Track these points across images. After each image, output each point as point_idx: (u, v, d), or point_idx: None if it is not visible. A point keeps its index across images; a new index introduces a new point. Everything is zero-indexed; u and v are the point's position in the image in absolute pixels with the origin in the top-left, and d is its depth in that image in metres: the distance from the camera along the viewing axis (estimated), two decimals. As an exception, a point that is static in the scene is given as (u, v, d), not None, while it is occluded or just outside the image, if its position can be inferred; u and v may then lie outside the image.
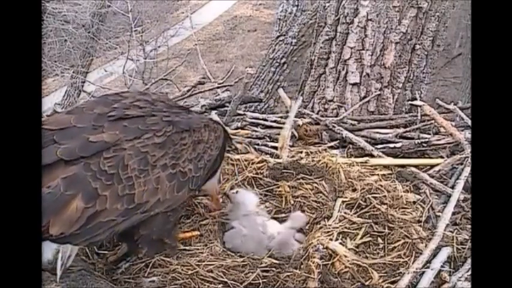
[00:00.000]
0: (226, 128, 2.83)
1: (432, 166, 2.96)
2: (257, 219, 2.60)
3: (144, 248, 2.32)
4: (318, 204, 2.69)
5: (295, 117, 3.41)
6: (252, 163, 2.99)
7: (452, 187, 2.72)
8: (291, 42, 5.49)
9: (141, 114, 2.22)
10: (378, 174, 2.89)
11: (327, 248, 2.34)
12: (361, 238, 2.45)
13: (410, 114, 3.49)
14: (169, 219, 2.31)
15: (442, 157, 3.04)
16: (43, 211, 1.81)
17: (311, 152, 3.12)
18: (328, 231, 2.46)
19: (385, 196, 2.69)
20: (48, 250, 2.01)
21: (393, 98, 3.59)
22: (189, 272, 2.29)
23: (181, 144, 2.24)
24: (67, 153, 1.98)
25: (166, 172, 2.17)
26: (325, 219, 2.56)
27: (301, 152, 3.13)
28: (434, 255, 2.31)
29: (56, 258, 2.04)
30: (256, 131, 3.46)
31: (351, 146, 3.20)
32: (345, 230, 2.49)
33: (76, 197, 1.94)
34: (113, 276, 2.35)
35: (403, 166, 2.97)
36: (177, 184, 2.21)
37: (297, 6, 6.52)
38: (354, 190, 2.73)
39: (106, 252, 2.49)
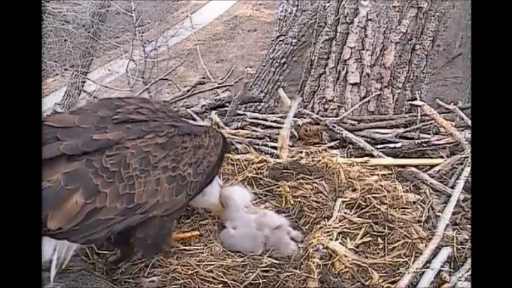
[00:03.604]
0: (224, 130, 2.83)
1: (432, 166, 2.96)
2: (251, 216, 2.58)
3: (140, 251, 2.30)
4: (318, 204, 2.68)
5: (295, 117, 3.41)
6: (252, 163, 2.99)
7: (452, 187, 2.72)
8: (291, 42, 5.49)
9: (144, 119, 2.25)
10: (378, 174, 2.89)
11: (327, 248, 2.34)
12: (361, 238, 2.45)
13: (410, 114, 3.49)
14: (166, 224, 2.31)
15: (442, 157, 3.04)
16: (42, 204, 1.80)
17: (311, 152, 3.12)
18: (328, 231, 2.46)
19: (385, 196, 2.69)
20: (44, 250, 2.00)
21: (393, 98, 3.59)
22: (189, 272, 2.29)
23: (183, 147, 2.26)
24: (70, 148, 1.99)
25: (167, 174, 2.18)
26: (325, 219, 2.56)
27: (301, 152, 3.13)
28: (434, 255, 2.31)
29: (51, 260, 2.03)
30: (256, 131, 3.46)
31: (351, 146, 3.20)
32: (345, 230, 2.49)
33: (76, 192, 1.95)
34: (113, 276, 2.35)
35: (403, 166, 2.97)
36: (176, 187, 2.22)
37: (297, 6, 6.53)
38: (354, 190, 2.73)
39: (106, 252, 2.49)
